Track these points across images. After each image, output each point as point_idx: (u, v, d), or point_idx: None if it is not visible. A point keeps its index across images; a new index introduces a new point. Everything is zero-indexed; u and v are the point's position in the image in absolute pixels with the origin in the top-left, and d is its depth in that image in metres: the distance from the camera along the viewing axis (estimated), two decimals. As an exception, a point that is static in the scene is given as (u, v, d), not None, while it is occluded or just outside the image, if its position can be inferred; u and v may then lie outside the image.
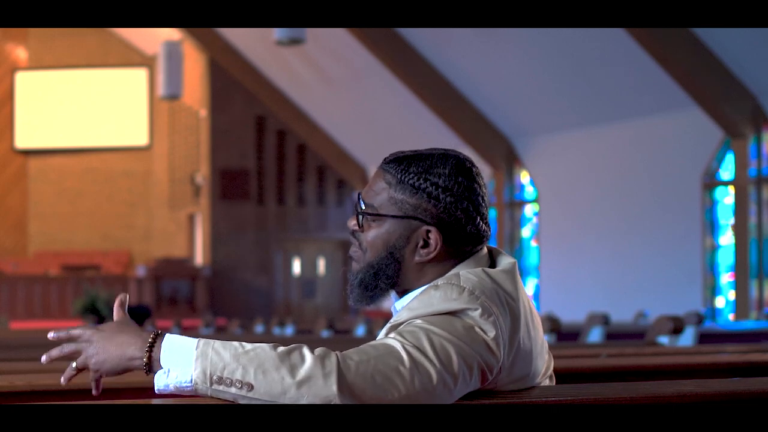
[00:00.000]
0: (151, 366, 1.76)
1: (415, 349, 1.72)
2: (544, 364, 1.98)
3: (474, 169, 1.94)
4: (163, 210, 20.64)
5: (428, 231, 1.90)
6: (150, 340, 1.77)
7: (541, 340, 1.97)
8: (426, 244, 1.91)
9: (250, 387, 1.68)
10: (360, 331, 8.36)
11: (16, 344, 6.48)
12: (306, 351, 1.69)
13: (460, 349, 1.75)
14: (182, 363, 1.72)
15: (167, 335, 1.78)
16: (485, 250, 1.98)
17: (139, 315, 13.01)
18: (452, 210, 1.89)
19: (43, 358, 1.83)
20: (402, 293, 1.96)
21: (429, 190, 1.89)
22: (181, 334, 1.87)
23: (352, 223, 1.97)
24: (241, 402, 1.70)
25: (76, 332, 1.82)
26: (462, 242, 1.92)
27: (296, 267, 19.33)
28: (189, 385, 1.72)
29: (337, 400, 1.66)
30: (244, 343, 1.72)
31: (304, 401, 1.67)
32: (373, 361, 1.69)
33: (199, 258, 19.33)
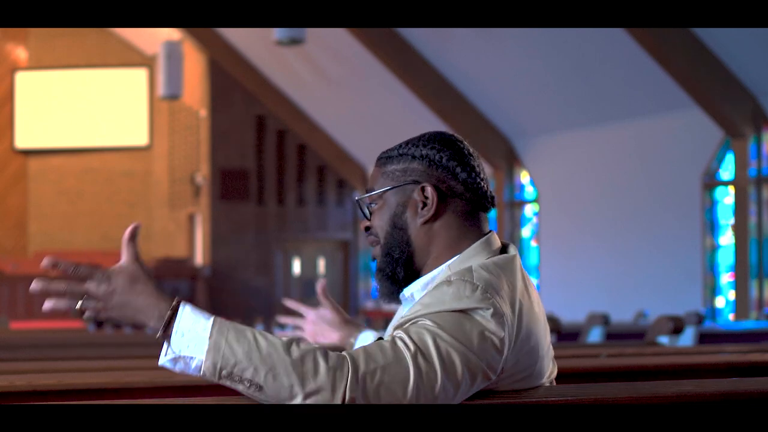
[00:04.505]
0: (165, 340, 1.75)
1: (422, 357, 1.72)
2: (549, 366, 1.97)
3: (455, 136, 2.01)
4: (163, 210, 20.64)
5: (423, 188, 1.95)
6: (167, 317, 1.77)
7: (547, 343, 1.96)
8: (425, 204, 1.94)
9: (259, 388, 1.68)
10: (360, 331, 8.33)
11: (16, 344, 6.49)
12: (320, 359, 1.69)
13: (466, 359, 1.76)
14: (194, 351, 1.72)
15: (182, 313, 1.77)
16: (498, 241, 1.98)
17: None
18: (438, 161, 1.95)
19: (46, 305, 1.74)
20: (418, 273, 1.97)
21: (412, 151, 1.98)
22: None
23: (364, 222, 2.01)
24: (247, 395, 1.71)
25: (92, 287, 1.75)
26: (460, 196, 1.95)
27: (296, 267, 19.32)
28: (197, 374, 1.72)
29: None
30: (258, 337, 1.70)
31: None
32: (379, 372, 1.70)
33: (199, 258, 19.33)
